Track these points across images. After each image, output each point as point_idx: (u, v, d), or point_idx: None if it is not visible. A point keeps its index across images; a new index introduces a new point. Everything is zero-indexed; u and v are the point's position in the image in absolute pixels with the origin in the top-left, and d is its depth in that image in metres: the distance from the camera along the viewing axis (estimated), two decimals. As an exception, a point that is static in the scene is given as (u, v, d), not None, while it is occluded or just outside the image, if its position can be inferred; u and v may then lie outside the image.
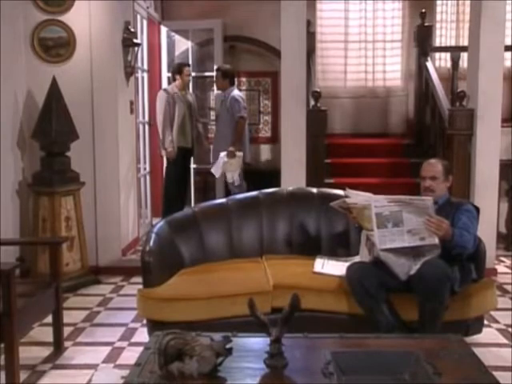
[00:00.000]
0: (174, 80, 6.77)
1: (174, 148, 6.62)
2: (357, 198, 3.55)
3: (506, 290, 5.07)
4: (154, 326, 3.53)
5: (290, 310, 2.42)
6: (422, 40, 7.27)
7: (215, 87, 7.13)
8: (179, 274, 3.88)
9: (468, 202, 3.98)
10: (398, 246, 3.37)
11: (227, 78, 6.62)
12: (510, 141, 6.21)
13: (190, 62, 7.48)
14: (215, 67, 7.03)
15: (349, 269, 3.57)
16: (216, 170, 6.40)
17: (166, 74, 7.68)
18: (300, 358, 2.56)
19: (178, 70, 6.77)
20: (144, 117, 7.01)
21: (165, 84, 7.63)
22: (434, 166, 3.69)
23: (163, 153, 6.75)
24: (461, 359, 2.51)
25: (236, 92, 6.67)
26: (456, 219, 3.51)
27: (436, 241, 3.37)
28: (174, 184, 6.81)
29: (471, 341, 3.51)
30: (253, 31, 7.66)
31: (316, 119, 5.79)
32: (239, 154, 6.37)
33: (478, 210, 3.66)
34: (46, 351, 3.81)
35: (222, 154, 6.30)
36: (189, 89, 7.19)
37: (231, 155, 6.27)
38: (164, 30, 7.65)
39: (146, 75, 7.10)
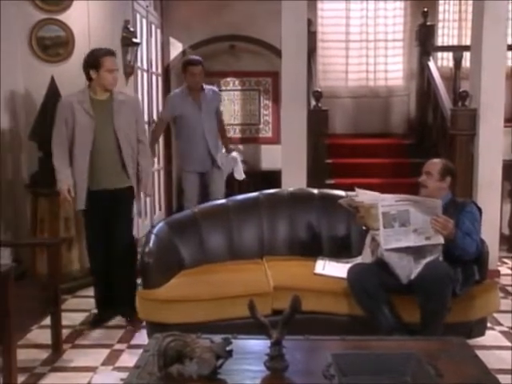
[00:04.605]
0: (89, 80, 4.19)
1: (76, 191, 4.17)
2: (364, 196, 3.53)
3: (509, 292, 5.04)
4: (153, 327, 3.51)
5: (291, 311, 2.40)
6: (423, 39, 7.25)
7: (196, 84, 5.51)
8: (179, 276, 3.86)
9: (471, 201, 3.94)
10: (404, 245, 3.35)
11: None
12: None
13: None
14: (190, 60, 5.63)
15: (350, 270, 3.54)
16: (240, 173, 5.97)
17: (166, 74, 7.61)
18: (301, 360, 2.54)
19: (92, 62, 4.13)
20: (143, 116, 6.91)
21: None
22: (433, 164, 3.67)
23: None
24: (463, 361, 2.49)
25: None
26: (460, 222, 3.47)
27: (441, 240, 3.35)
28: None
29: (474, 343, 3.47)
30: (253, 30, 7.64)
31: (317, 119, 5.78)
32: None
33: (480, 210, 3.63)
34: (44, 353, 3.77)
35: (235, 154, 5.98)
36: (111, 92, 4.23)
37: (231, 151, 6.06)
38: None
39: (145, 75, 7.06)
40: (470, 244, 3.42)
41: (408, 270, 3.39)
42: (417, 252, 3.38)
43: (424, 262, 3.36)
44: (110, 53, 4.19)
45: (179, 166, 5.99)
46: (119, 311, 4.35)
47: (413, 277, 3.37)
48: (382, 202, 3.37)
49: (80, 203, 4.18)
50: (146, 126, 6.37)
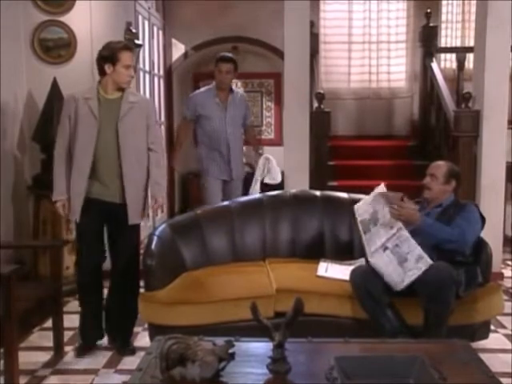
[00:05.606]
0: (102, 74, 3.75)
1: (72, 201, 3.76)
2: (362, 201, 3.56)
3: (513, 294, 5.02)
4: (155, 330, 3.49)
5: (294, 314, 2.38)
6: (426, 40, 7.22)
7: (222, 84, 5.24)
8: (181, 278, 3.84)
9: (472, 203, 3.92)
10: (379, 243, 3.37)
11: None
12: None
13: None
14: (221, 56, 5.30)
15: (353, 273, 3.53)
16: (276, 175, 5.52)
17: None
18: (303, 363, 2.53)
19: (108, 55, 3.69)
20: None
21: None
22: (438, 166, 3.68)
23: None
24: (466, 364, 2.48)
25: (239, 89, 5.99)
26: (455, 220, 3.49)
27: (399, 224, 3.36)
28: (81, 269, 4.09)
29: (477, 346, 3.46)
30: (256, 32, 7.62)
31: (319, 121, 5.76)
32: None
33: (483, 218, 3.61)
34: (46, 356, 3.76)
35: (269, 156, 5.58)
36: (124, 94, 3.77)
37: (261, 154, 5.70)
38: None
39: (147, 76, 7.06)
40: (446, 232, 3.41)
41: (396, 276, 3.34)
42: (397, 256, 3.35)
43: (406, 265, 3.31)
44: (129, 47, 3.81)
45: (200, 172, 5.52)
46: (109, 334, 4.00)
47: (405, 284, 3.32)
48: (358, 211, 3.38)
49: (74, 214, 3.76)
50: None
